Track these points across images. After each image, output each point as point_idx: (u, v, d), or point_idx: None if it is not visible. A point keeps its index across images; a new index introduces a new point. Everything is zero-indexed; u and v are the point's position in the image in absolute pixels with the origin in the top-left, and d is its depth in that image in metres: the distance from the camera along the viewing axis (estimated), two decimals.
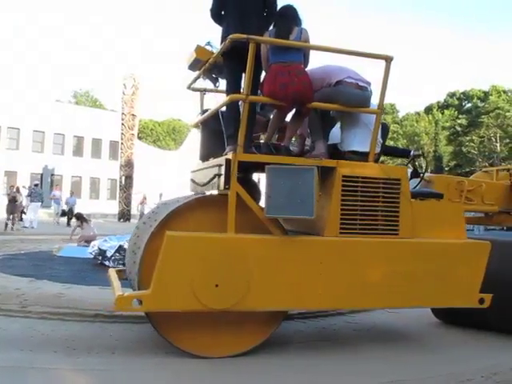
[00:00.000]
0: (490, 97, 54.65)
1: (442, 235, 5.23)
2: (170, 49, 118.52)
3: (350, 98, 4.94)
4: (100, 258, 10.31)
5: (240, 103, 4.98)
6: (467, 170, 51.91)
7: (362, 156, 5.01)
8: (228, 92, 5.11)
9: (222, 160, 4.69)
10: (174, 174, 43.73)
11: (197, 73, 5.66)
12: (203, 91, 5.97)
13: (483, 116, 51.43)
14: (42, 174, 40.50)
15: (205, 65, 5.29)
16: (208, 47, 5.19)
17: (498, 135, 50.76)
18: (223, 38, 5.02)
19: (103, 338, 5.10)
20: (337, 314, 6.48)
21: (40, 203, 22.16)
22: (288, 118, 5.35)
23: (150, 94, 77.68)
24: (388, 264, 4.89)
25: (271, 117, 5.63)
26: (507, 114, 49.95)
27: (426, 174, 6.09)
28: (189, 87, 5.96)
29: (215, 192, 4.99)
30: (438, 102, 62.91)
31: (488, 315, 5.47)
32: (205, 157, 5.69)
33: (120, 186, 30.80)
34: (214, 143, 5.50)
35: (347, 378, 4.31)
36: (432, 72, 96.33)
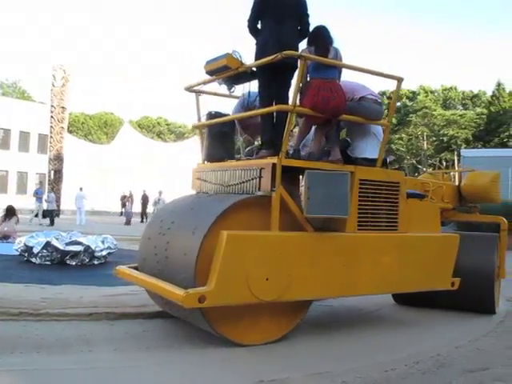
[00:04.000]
0: (418, 96, 56.43)
1: (424, 230, 6.24)
2: (104, 40, 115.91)
3: (371, 112, 5.72)
4: (26, 254, 9.99)
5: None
6: (396, 166, 53.57)
7: (371, 162, 5.73)
8: (263, 102, 5.58)
9: (263, 163, 5.11)
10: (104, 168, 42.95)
11: (203, 77, 6.06)
12: (199, 93, 6.36)
13: (411, 115, 53.07)
14: None
15: (226, 71, 5.64)
16: (236, 55, 5.53)
17: (424, 133, 52.57)
18: (260, 50, 5.47)
19: (27, 337, 4.94)
20: None
21: None
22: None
23: (82, 87, 75.76)
24: (392, 256, 5.72)
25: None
26: (434, 113, 51.80)
27: None
28: (188, 89, 6.29)
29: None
30: None
31: (435, 295, 6.57)
32: (211, 158, 6.05)
33: (49, 180, 29.90)
34: (220, 145, 5.98)
35: (272, 370, 4.34)
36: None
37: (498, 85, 50.50)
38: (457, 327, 6.24)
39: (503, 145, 46.33)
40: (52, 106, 29.98)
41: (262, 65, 5.32)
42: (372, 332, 5.83)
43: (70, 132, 45.40)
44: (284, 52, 4.99)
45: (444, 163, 51.95)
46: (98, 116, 76.69)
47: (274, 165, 4.97)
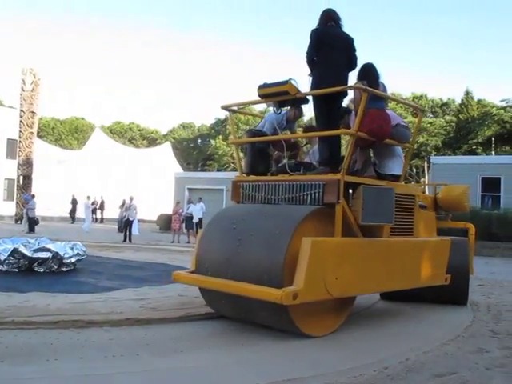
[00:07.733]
0: (389, 104, 57.22)
1: (426, 234, 7.45)
2: (75, 44, 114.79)
3: (404, 137, 6.82)
4: None
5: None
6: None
7: (397, 178, 6.77)
8: (321, 125, 6.35)
9: (327, 179, 5.83)
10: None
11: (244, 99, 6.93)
12: (232, 112, 7.20)
13: None
14: None
15: (282, 96, 6.31)
16: (294, 83, 6.11)
17: None
18: (317, 80, 6.23)
19: None
20: None
21: None
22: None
23: (53, 91, 74.71)
24: (411, 257, 6.76)
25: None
26: (404, 120, 52.46)
27: None
28: (226, 108, 7.02)
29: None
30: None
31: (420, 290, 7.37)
32: (255, 171, 6.80)
33: (18, 186, 29.44)
34: (262, 160, 6.85)
35: (247, 376, 4.34)
36: None
37: (467, 93, 51.37)
38: (425, 332, 6.30)
39: (472, 152, 47.12)
40: (21, 110, 29.54)
41: (319, 96, 6.18)
42: (343, 336, 5.85)
43: (39, 137, 44.76)
44: (354, 85, 6.11)
45: (414, 170, 52.60)
46: (68, 121, 75.60)
47: (338, 180, 5.69)
